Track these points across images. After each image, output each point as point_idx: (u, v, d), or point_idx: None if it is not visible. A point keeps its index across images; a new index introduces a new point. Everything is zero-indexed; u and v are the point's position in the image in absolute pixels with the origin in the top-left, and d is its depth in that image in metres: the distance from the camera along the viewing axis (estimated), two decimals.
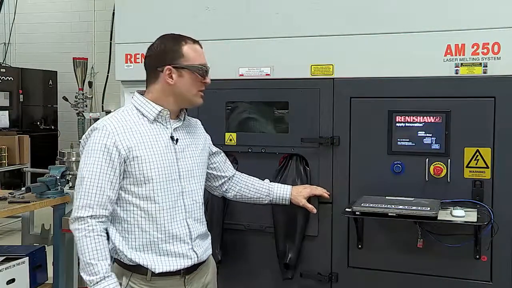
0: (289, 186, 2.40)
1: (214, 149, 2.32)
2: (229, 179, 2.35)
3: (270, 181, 2.45)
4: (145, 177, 1.92)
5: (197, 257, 2.01)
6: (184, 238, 1.98)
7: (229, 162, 2.38)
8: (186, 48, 2.00)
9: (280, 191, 2.38)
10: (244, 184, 2.36)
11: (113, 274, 1.89)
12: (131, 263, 1.93)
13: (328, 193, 2.44)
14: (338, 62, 2.47)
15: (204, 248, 2.07)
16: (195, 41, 2.06)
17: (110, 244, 1.93)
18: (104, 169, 1.88)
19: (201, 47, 2.07)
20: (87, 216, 1.86)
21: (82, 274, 1.87)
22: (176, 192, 1.98)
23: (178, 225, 1.97)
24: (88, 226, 1.85)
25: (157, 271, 1.92)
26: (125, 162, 1.90)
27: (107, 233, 1.94)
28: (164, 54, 2.00)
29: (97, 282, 1.83)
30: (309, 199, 2.42)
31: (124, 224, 1.95)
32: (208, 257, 2.14)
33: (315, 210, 2.40)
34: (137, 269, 1.94)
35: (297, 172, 2.51)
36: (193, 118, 2.26)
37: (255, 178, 2.41)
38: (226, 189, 2.35)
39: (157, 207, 1.93)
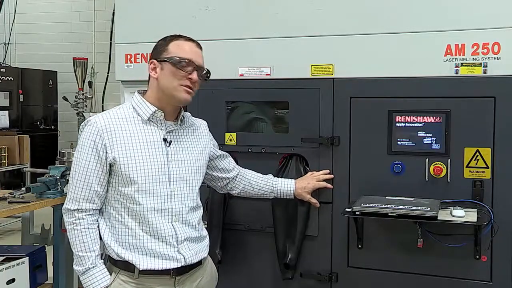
0: (293, 182, 2.42)
1: (218, 152, 2.31)
2: (233, 179, 2.36)
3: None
4: (130, 179, 1.92)
5: (185, 259, 1.98)
6: (169, 240, 1.96)
7: (234, 163, 2.39)
8: (173, 43, 2.01)
9: (284, 188, 2.41)
10: (248, 182, 2.39)
11: (100, 264, 1.95)
12: (118, 259, 1.95)
13: (331, 186, 2.45)
14: (338, 62, 2.46)
15: (195, 251, 2.03)
16: (189, 40, 2.03)
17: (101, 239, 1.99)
18: (92, 165, 1.93)
19: (198, 46, 2.04)
20: (74, 210, 1.95)
21: (74, 263, 1.98)
22: (163, 195, 1.96)
23: (164, 227, 1.95)
24: (75, 219, 1.95)
25: (141, 268, 1.93)
26: (111, 161, 1.92)
27: (99, 226, 1.99)
28: (154, 50, 2.05)
29: (83, 272, 1.95)
30: (312, 195, 2.45)
31: (113, 220, 1.97)
32: (204, 262, 2.11)
33: (318, 204, 2.45)
34: (125, 266, 1.95)
35: (297, 172, 2.51)
36: (198, 120, 2.24)
37: (259, 174, 2.42)
38: (231, 188, 2.38)
39: (141, 208, 1.93)
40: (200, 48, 2.06)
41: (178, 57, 1.97)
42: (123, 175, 1.92)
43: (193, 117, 2.22)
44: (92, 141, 1.92)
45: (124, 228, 1.95)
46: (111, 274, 1.97)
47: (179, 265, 1.97)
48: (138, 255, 1.94)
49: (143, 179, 1.93)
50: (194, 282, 2.05)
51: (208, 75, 2.07)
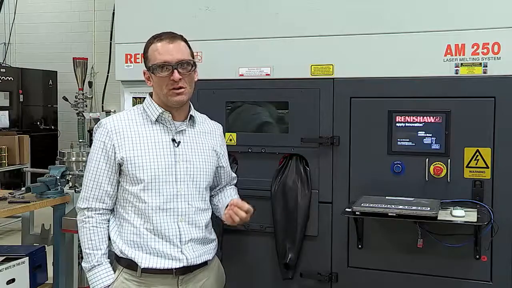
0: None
1: (221, 163, 2.21)
2: (212, 196, 2.24)
3: (271, 182, 2.48)
4: (137, 178, 1.95)
5: (187, 260, 1.97)
6: (173, 239, 1.97)
7: (231, 188, 2.28)
8: (150, 49, 2.02)
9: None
10: (218, 201, 2.25)
11: (105, 263, 1.98)
12: (122, 256, 1.98)
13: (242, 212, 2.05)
14: (338, 62, 2.46)
15: (199, 253, 2.03)
16: (161, 39, 2.00)
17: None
18: (102, 166, 1.98)
19: (171, 41, 1.99)
20: (84, 208, 2.00)
21: (83, 261, 2.04)
22: (169, 195, 1.97)
23: (168, 226, 1.97)
24: (84, 218, 2.00)
25: (143, 266, 1.94)
26: (120, 161, 1.96)
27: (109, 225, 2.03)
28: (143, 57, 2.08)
29: (88, 269, 1.99)
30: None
31: (121, 219, 2.01)
32: (210, 263, 2.10)
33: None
34: (128, 264, 1.97)
35: (297, 172, 2.51)
36: (215, 123, 2.22)
37: (228, 195, 2.25)
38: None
39: (146, 206, 1.95)
40: (178, 39, 2.01)
41: (154, 64, 1.98)
42: (130, 174, 1.95)
43: (209, 120, 2.21)
44: (102, 142, 1.98)
45: (129, 226, 1.98)
46: (115, 272, 1.99)
47: (181, 265, 1.97)
48: (141, 253, 1.96)
49: (149, 178, 1.95)
50: (198, 282, 2.05)
51: (194, 62, 2.02)
